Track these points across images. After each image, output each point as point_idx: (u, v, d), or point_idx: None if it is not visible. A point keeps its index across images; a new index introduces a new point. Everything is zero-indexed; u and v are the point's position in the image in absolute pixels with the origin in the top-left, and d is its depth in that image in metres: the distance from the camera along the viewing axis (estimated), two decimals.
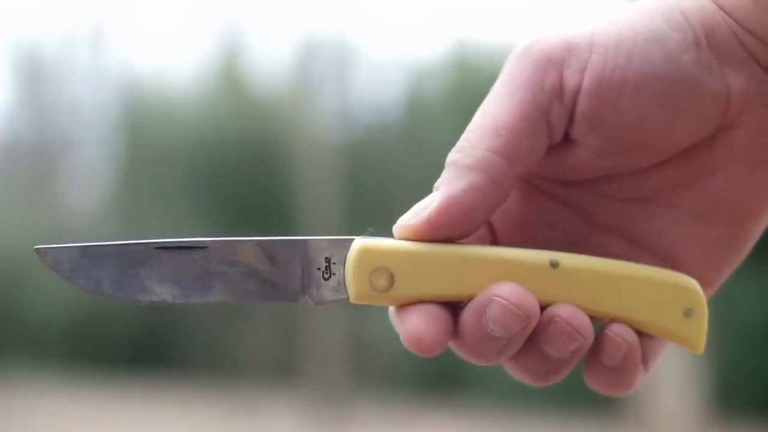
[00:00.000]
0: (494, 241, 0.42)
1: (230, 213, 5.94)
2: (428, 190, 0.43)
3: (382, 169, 6.20)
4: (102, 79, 6.43)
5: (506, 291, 0.37)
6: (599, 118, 0.38)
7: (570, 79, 0.38)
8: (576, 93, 0.38)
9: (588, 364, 0.40)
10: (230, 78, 6.62)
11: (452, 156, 0.39)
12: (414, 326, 0.38)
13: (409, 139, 6.32)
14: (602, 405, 3.73)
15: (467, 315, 0.38)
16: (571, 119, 0.38)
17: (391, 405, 5.15)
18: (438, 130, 6.13)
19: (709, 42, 0.37)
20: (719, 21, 0.37)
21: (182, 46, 9.73)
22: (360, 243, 0.39)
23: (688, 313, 0.40)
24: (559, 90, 0.38)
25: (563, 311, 0.38)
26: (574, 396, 3.77)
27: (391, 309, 0.39)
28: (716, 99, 0.37)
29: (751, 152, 0.38)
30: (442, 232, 0.38)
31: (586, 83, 0.37)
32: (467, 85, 6.27)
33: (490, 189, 0.38)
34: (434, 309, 0.38)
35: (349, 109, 6.49)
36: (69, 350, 5.79)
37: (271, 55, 6.80)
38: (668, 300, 0.40)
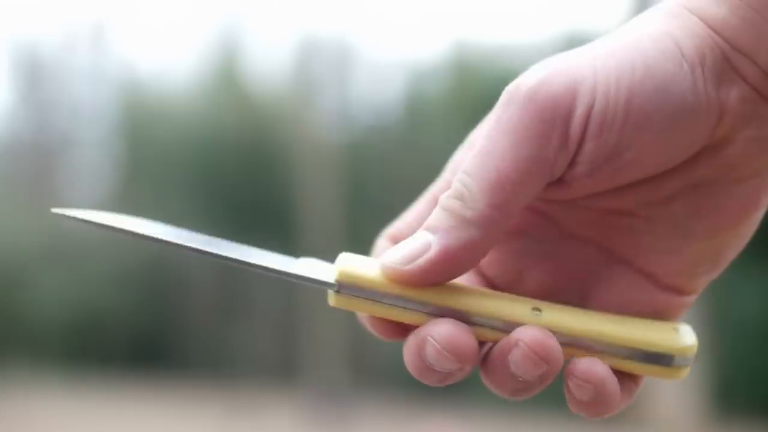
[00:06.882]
0: None
1: (230, 212, 5.94)
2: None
3: (381, 168, 6.20)
4: (102, 79, 6.43)
5: (440, 332, 0.37)
6: (599, 160, 0.37)
7: (576, 125, 0.37)
8: (581, 139, 0.37)
9: (566, 393, 0.39)
10: (230, 78, 6.62)
11: (450, 203, 0.38)
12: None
13: (409, 140, 6.33)
14: None
15: (411, 342, 0.38)
16: (572, 163, 0.38)
17: (391, 405, 5.15)
18: (438, 130, 6.13)
19: (702, 67, 0.37)
20: (709, 43, 0.37)
21: (182, 46, 9.74)
22: (334, 299, 0.39)
23: (673, 362, 0.39)
24: (565, 141, 0.37)
25: (527, 336, 0.37)
26: None
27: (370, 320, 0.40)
28: (709, 122, 0.37)
29: (734, 169, 0.38)
30: (433, 280, 0.38)
31: (591, 128, 0.37)
32: (467, 86, 6.27)
33: (487, 245, 0.37)
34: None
35: (349, 109, 6.49)
36: (69, 350, 5.79)
37: (271, 55, 6.80)
38: (654, 353, 0.39)
